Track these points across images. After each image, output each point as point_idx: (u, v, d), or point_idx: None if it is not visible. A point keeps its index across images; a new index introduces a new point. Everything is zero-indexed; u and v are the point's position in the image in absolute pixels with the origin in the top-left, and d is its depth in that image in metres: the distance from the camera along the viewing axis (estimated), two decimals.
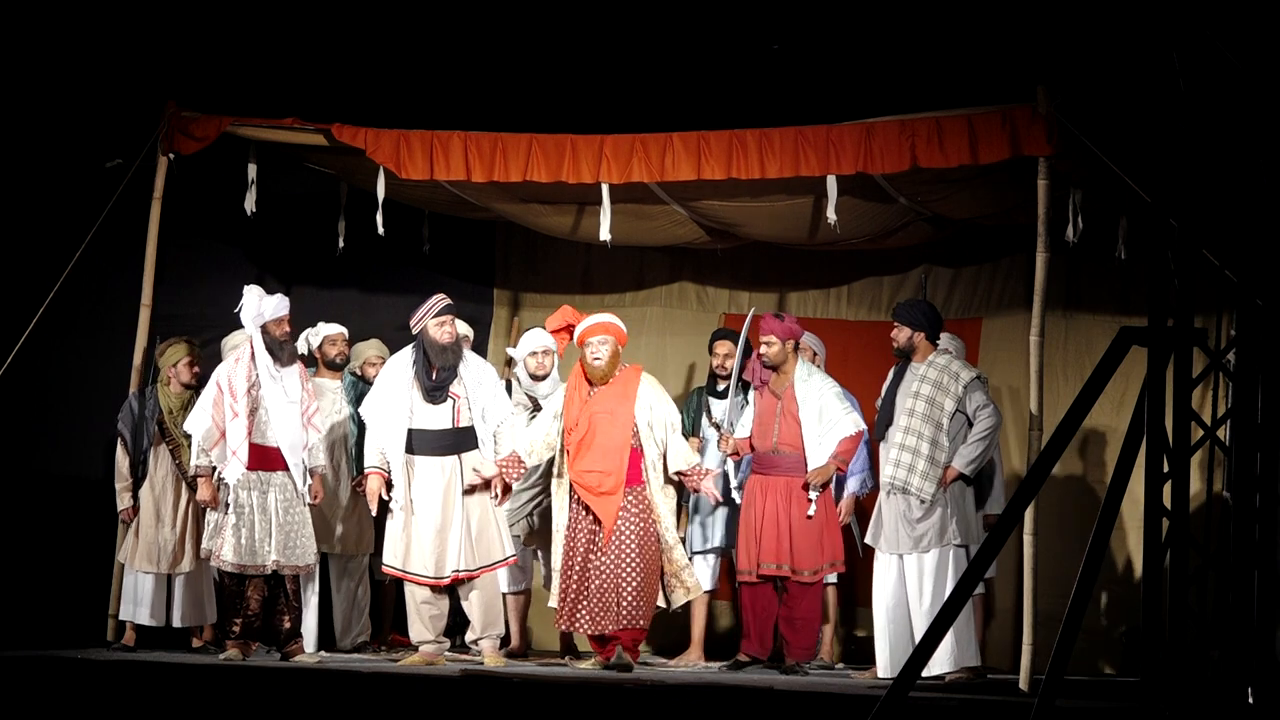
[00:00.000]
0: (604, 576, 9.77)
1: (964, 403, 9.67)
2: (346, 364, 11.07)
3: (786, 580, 10.09)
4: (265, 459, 9.98)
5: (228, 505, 9.92)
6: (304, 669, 9.52)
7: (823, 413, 10.06)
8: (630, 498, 9.85)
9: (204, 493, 10.05)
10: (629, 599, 9.75)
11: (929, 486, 9.62)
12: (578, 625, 9.89)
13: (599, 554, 9.80)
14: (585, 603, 9.82)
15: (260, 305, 10.07)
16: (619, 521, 9.80)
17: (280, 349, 10.07)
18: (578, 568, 9.84)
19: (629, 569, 9.78)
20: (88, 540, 11.39)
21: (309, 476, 10.12)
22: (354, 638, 11.01)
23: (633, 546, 9.80)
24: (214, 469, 10.00)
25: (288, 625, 10.06)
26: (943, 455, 9.65)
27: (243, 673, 9.34)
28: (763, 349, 10.16)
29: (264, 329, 10.07)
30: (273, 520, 9.92)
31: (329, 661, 10.12)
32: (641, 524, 9.84)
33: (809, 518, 10.02)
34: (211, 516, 10.02)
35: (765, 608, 10.17)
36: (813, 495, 10.02)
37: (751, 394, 10.36)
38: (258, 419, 9.99)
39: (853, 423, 10.07)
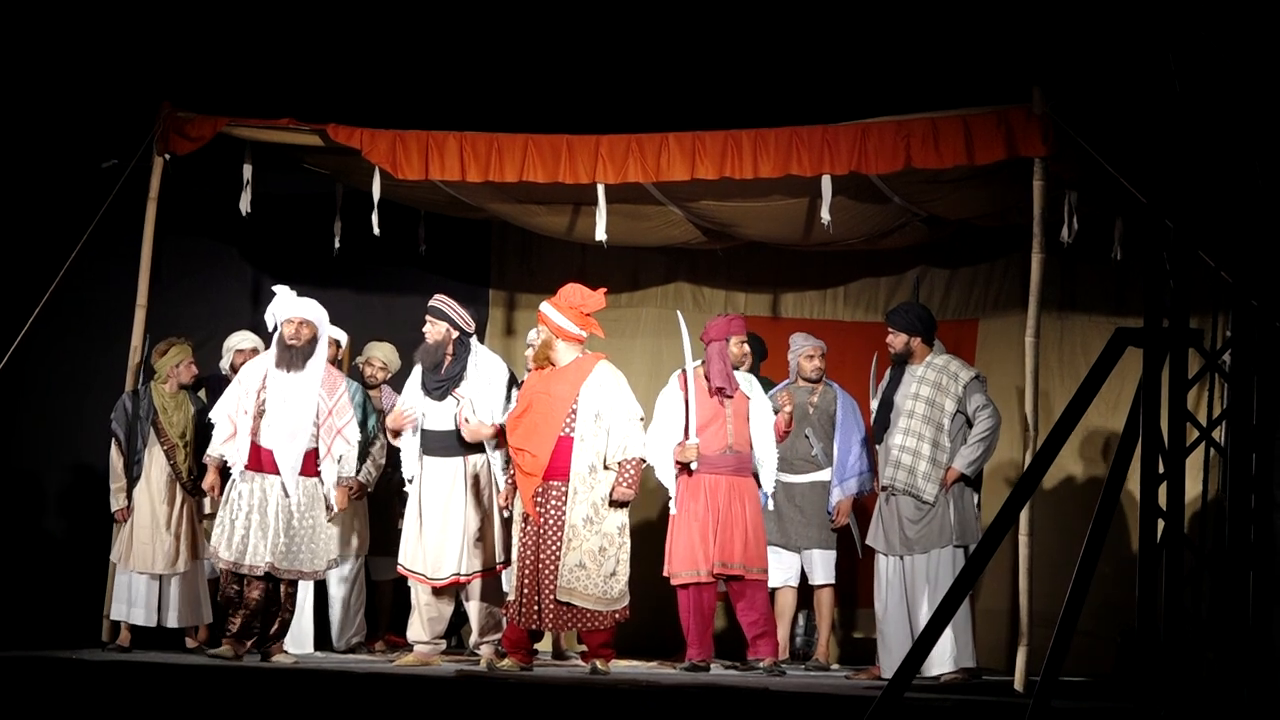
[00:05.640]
0: (542, 570, 9.58)
1: (964, 403, 9.68)
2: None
3: (741, 580, 10.08)
4: (266, 460, 9.95)
5: (227, 501, 9.90)
6: (302, 670, 9.50)
7: (765, 410, 10.22)
8: (554, 492, 9.64)
9: (209, 479, 10.09)
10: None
11: (931, 487, 9.63)
12: (530, 621, 9.65)
13: (540, 546, 9.60)
14: (537, 597, 9.59)
15: (274, 305, 10.02)
16: (549, 514, 9.62)
17: (286, 352, 9.96)
18: (529, 562, 9.66)
19: (550, 565, 9.61)
20: (83, 540, 11.40)
21: (320, 485, 10.04)
22: (349, 639, 11.01)
23: (558, 541, 9.61)
24: (224, 460, 9.98)
25: (275, 627, 10.04)
26: (944, 456, 9.66)
27: (237, 673, 9.33)
28: (744, 349, 10.23)
29: (278, 329, 10.02)
30: (272, 522, 9.86)
31: (324, 662, 10.13)
32: (560, 518, 9.61)
33: (769, 510, 10.08)
34: (220, 514, 9.99)
35: (709, 609, 10.15)
36: (769, 489, 10.15)
37: (678, 398, 10.27)
38: (264, 419, 9.95)
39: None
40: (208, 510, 10.54)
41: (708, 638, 10.17)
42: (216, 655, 9.83)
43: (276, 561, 9.86)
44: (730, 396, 10.19)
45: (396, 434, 10.23)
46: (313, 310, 10.03)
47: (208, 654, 9.96)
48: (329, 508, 10.04)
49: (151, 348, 10.71)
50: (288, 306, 9.99)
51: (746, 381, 10.26)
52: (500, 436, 9.98)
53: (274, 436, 9.92)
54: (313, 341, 10.02)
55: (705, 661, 10.11)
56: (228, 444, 9.95)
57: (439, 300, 10.25)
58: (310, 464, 9.97)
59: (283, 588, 9.98)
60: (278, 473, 9.91)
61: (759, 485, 10.23)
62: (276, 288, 10.08)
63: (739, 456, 10.15)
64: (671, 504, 10.27)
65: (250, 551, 9.84)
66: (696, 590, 10.09)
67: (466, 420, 10.03)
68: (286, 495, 9.91)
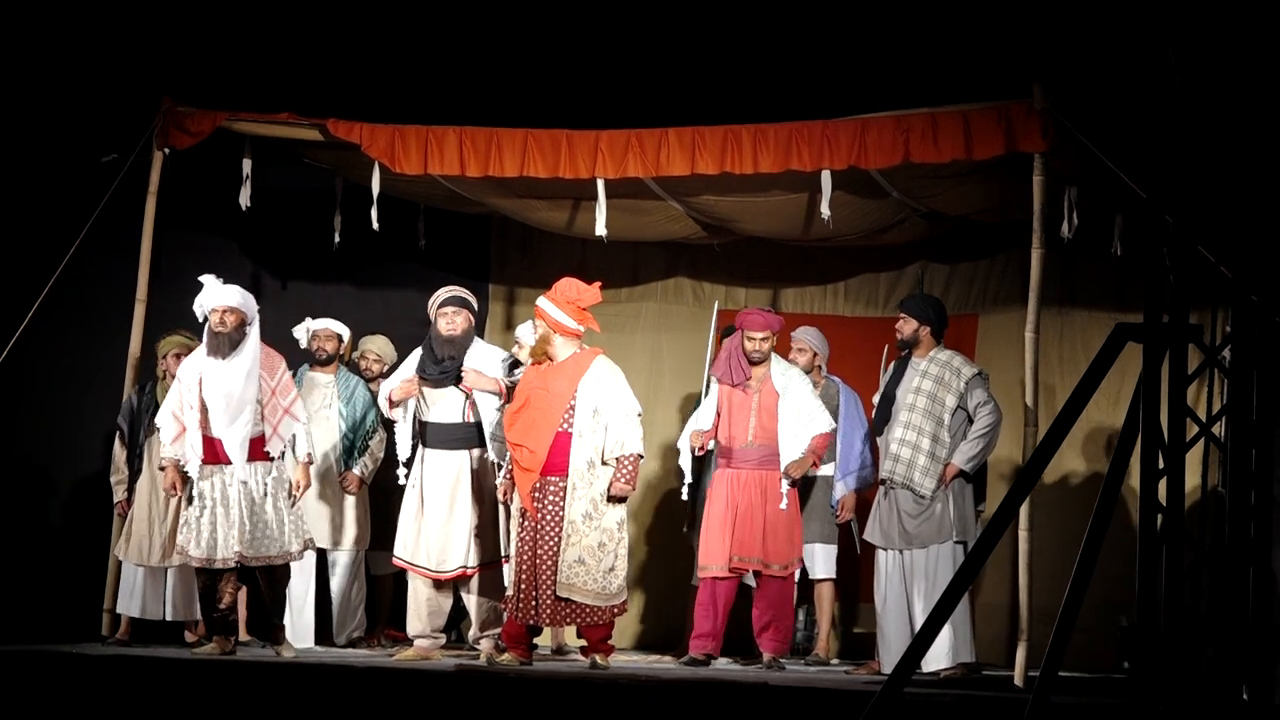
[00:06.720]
0: (541, 565, 9.58)
1: (965, 399, 9.69)
2: (331, 360, 11.00)
3: (759, 575, 10.09)
4: (221, 451, 9.84)
5: (190, 499, 9.85)
6: (302, 664, 9.49)
7: (801, 409, 10.09)
8: (552, 487, 9.65)
9: (166, 480, 9.99)
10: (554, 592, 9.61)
11: (929, 482, 9.64)
12: (529, 616, 9.66)
13: (538, 541, 9.60)
14: (535, 593, 9.60)
15: (200, 296, 9.89)
16: (547, 510, 9.62)
17: (214, 339, 9.81)
18: (527, 557, 9.66)
19: (549, 561, 9.60)
20: (83, 534, 11.40)
21: (274, 468, 9.91)
22: (349, 633, 11.01)
23: (557, 537, 9.62)
24: (178, 459, 9.91)
25: (268, 616, 10.03)
26: (943, 451, 9.66)
27: (236, 667, 9.33)
28: (759, 345, 10.17)
29: (206, 319, 9.96)
30: (237, 513, 9.77)
31: (324, 656, 10.13)
32: (559, 513, 9.62)
33: (781, 509, 10.03)
34: (185, 512, 9.94)
35: (723, 604, 10.14)
36: (786, 488, 10.02)
37: (714, 388, 10.32)
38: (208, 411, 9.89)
39: (827, 421, 10.17)
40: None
41: (716, 632, 10.14)
42: (201, 654, 9.78)
43: (244, 550, 9.76)
44: (735, 386, 10.20)
45: (395, 405, 10.18)
46: (235, 297, 9.86)
47: (192, 653, 9.91)
48: (290, 493, 9.94)
49: (148, 342, 10.74)
50: (212, 296, 9.87)
51: (783, 375, 10.21)
52: (501, 388, 10.02)
53: (217, 425, 9.82)
54: (241, 328, 9.84)
55: (708, 655, 10.10)
56: (176, 443, 9.87)
57: (459, 291, 10.23)
58: (258, 449, 9.87)
59: (259, 577, 9.94)
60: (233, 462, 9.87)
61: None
62: (203, 278, 9.95)
63: (762, 450, 10.13)
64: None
65: (220, 545, 9.76)
66: (712, 583, 10.09)
67: (469, 371, 10.02)
68: (245, 483, 9.83)
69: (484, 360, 10.17)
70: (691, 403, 11.65)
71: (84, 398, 11.77)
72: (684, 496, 10.52)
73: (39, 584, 11.46)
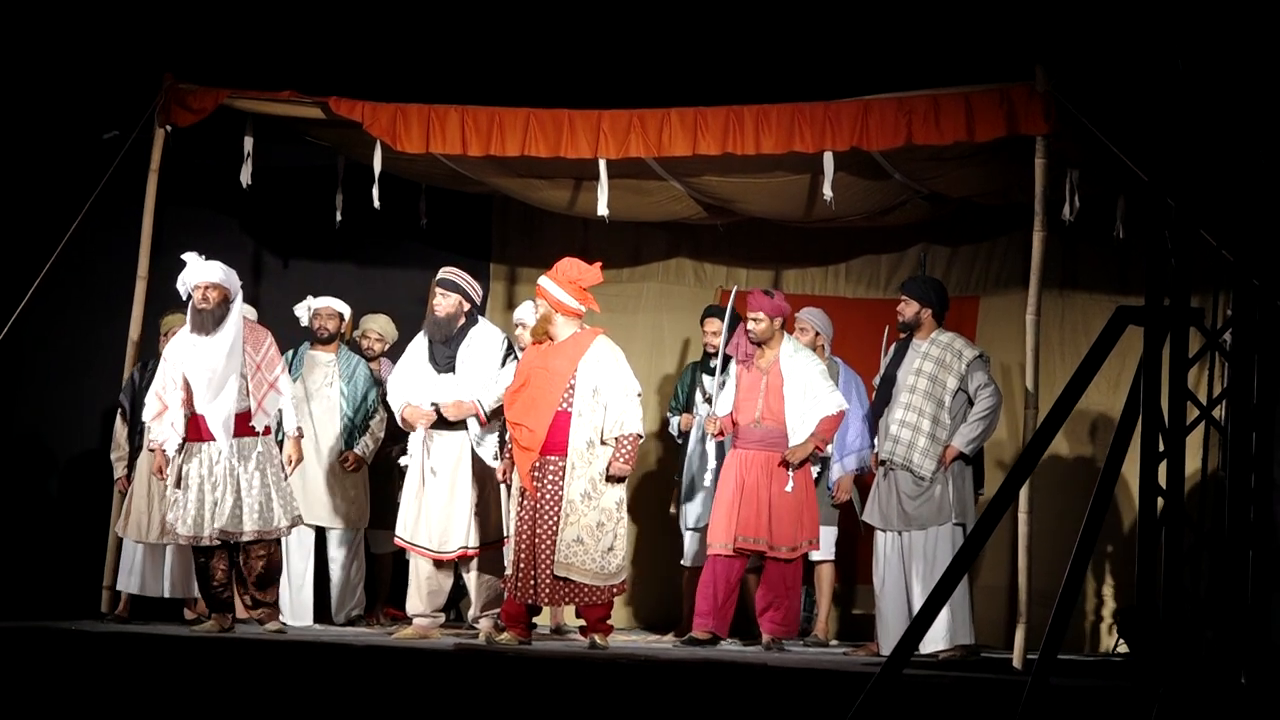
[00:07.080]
0: (539, 545, 9.55)
1: (966, 381, 9.68)
2: (333, 339, 11.00)
3: (764, 557, 10.09)
4: (205, 429, 9.83)
5: (178, 478, 9.84)
6: (300, 642, 9.49)
7: (807, 389, 10.07)
8: (551, 467, 9.62)
9: (155, 461, 10.00)
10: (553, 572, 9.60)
11: (929, 464, 9.63)
12: (527, 596, 9.63)
13: (537, 521, 9.58)
14: (534, 572, 9.58)
15: (184, 274, 9.85)
16: (546, 489, 9.60)
17: (197, 316, 9.79)
18: (526, 536, 9.64)
19: (548, 540, 9.58)
20: (83, 511, 11.41)
21: (260, 443, 9.88)
22: (348, 611, 11.02)
23: (556, 516, 9.60)
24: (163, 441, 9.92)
25: (253, 593, 10.03)
26: (943, 433, 9.65)
27: (234, 644, 9.33)
28: (750, 325, 10.17)
29: (190, 296, 9.92)
30: (223, 489, 9.75)
31: (323, 635, 10.14)
32: (558, 493, 9.60)
33: (787, 492, 10.01)
34: (172, 491, 9.95)
35: (732, 582, 10.14)
36: (791, 473, 10.02)
37: (733, 369, 10.34)
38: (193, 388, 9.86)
39: (835, 402, 10.09)
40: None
41: (720, 613, 10.12)
42: (200, 632, 9.79)
43: (229, 525, 9.75)
44: (742, 364, 10.20)
45: (409, 424, 10.17)
46: (217, 273, 9.83)
47: (191, 630, 9.92)
48: (281, 467, 9.92)
49: (150, 320, 10.74)
50: (194, 273, 9.83)
51: (791, 357, 10.18)
52: (481, 414, 9.98)
53: (200, 402, 9.79)
54: (224, 304, 9.81)
55: (711, 634, 10.09)
56: (156, 420, 9.86)
57: (450, 272, 10.20)
58: (245, 425, 9.85)
59: (242, 555, 9.91)
60: (214, 439, 9.83)
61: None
62: (186, 255, 9.90)
63: (768, 431, 10.11)
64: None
65: (206, 523, 9.76)
66: (714, 561, 10.08)
67: (448, 406, 10.02)
68: (230, 460, 9.80)
69: (484, 342, 10.15)
70: (671, 384, 11.67)
71: (84, 375, 11.78)
72: (707, 483, 10.50)
73: (39, 560, 11.48)
